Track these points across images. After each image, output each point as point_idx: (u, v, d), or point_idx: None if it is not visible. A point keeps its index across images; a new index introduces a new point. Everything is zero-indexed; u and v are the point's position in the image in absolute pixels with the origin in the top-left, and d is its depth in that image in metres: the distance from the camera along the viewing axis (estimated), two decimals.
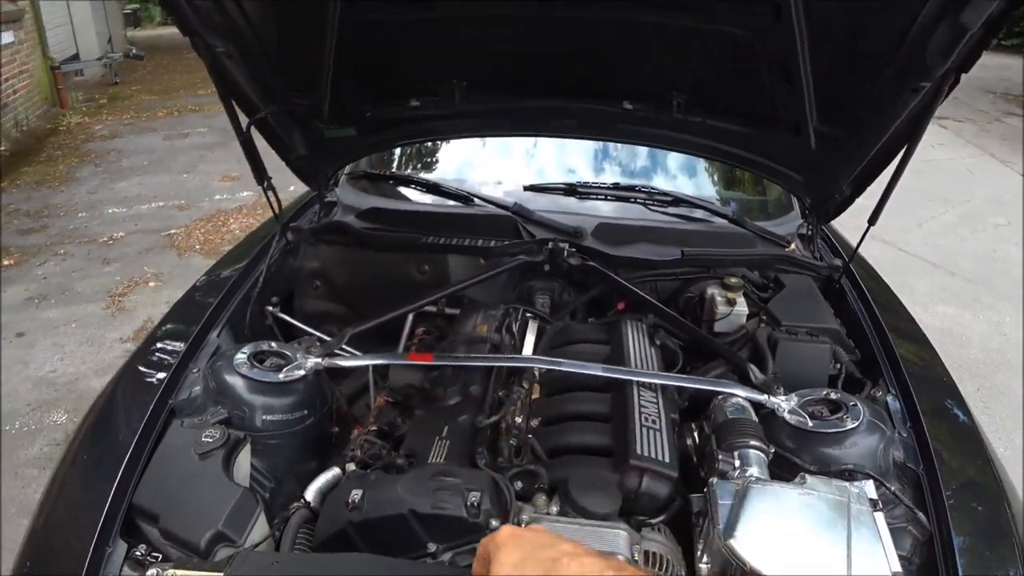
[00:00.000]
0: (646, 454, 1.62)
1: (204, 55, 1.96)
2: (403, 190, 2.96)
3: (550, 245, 2.38)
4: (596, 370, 1.85)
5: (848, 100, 2.06)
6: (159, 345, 2.12)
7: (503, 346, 2.08)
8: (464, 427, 1.76)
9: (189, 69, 14.09)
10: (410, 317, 2.41)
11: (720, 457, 1.64)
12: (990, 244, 6.52)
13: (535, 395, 1.92)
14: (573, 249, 2.38)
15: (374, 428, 1.89)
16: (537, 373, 1.97)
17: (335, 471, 1.79)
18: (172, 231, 6.41)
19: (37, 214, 6.84)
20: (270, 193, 2.38)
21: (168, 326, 2.22)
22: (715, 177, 3.15)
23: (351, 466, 1.74)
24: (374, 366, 2.07)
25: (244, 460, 1.75)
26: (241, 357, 1.91)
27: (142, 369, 2.04)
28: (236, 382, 1.85)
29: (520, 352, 2.10)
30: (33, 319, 4.97)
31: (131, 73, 13.63)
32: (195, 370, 1.97)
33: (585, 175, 2.93)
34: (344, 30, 2.07)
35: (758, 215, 2.91)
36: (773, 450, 1.68)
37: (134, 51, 13.54)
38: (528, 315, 2.30)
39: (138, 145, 8.95)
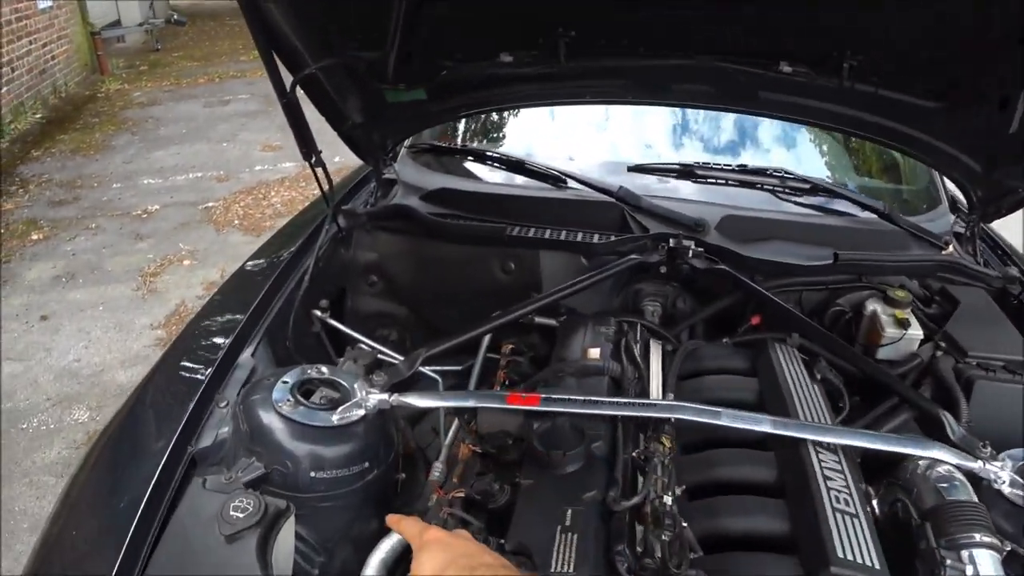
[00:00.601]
0: (850, 557, 1.14)
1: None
2: (476, 167, 2.47)
3: (671, 243, 1.89)
4: (769, 427, 1.36)
5: None
6: (178, 365, 1.68)
7: (624, 379, 1.60)
8: (594, 512, 1.27)
9: (232, 35, 13.71)
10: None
11: (948, 564, 1.17)
12: None
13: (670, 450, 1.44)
14: (699, 248, 1.89)
15: (461, 495, 1.41)
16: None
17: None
18: (210, 204, 5.99)
19: (70, 184, 6.48)
20: (319, 170, 1.91)
21: (191, 339, 1.78)
22: (848, 160, 2.62)
23: None
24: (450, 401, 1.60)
25: (287, 538, 1.29)
26: (282, 389, 1.45)
27: (156, 398, 1.60)
28: (276, 425, 1.39)
29: (647, 387, 1.61)
30: (59, 300, 4.59)
31: (173, 39, 13.24)
32: (222, 404, 1.53)
33: (693, 154, 2.42)
34: None
35: (900, 208, 2.38)
36: (1009, 547, 1.20)
37: (176, 16, 13.14)
38: (646, 332, 1.82)
39: (177, 112, 8.57)
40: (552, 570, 1.13)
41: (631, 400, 1.42)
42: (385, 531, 1.31)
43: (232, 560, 1.20)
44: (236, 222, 5.66)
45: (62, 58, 9.84)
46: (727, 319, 2.02)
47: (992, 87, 1.68)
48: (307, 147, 1.85)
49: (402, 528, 1.01)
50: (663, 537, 1.20)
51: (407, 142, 2.50)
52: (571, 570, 1.13)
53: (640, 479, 1.34)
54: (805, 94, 1.87)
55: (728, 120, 2.50)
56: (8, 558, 2.80)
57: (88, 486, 1.40)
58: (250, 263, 2.12)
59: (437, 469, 1.62)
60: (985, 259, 2.22)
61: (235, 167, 6.80)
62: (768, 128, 2.54)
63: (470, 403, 1.49)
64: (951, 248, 2.17)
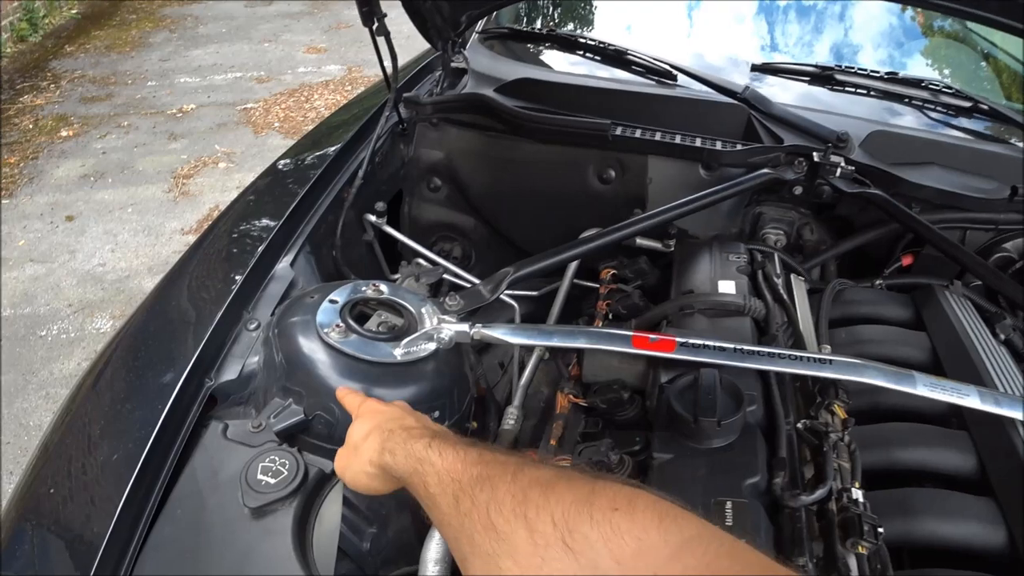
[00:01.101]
0: None
1: None
2: (561, 56, 2.06)
3: (815, 156, 1.50)
4: (987, 403, 0.99)
5: None
6: (198, 274, 1.34)
7: (771, 323, 1.23)
8: (758, 505, 0.90)
9: None
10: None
11: None
12: None
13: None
14: (850, 168, 1.50)
15: (566, 463, 1.05)
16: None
17: None
18: (249, 105, 5.60)
19: (103, 81, 6.13)
20: (381, 39, 1.53)
21: (216, 241, 1.43)
22: (1004, 79, 2.18)
23: None
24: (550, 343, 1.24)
25: (332, 512, 0.96)
26: (330, 311, 1.11)
27: (162, 315, 1.27)
28: (321, 358, 1.05)
29: (800, 335, 1.24)
30: (86, 200, 4.28)
31: None
32: (252, 325, 1.18)
33: (827, 55, 2.01)
34: None
35: None
36: None
37: None
38: (782, 264, 1.44)
39: (218, 11, 8.12)
40: None
41: (810, 354, 1.04)
42: None
43: (258, 545, 0.88)
44: (276, 124, 5.28)
45: None
46: (865, 259, 1.64)
47: None
48: (370, 7, 1.46)
49: (346, 402, 0.94)
50: (859, 549, 0.84)
51: (479, 26, 2.10)
52: None
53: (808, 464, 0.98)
54: None
55: (870, 17, 2.06)
56: (19, 474, 2.54)
57: (75, 428, 1.07)
58: (286, 159, 1.77)
59: (512, 416, 1.28)
60: None
61: (277, 68, 6.39)
62: (920, 36, 2.12)
63: (580, 342, 1.12)
64: None
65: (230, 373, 1.10)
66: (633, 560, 0.51)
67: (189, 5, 8.45)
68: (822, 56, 2.05)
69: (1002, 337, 1.31)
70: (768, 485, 0.92)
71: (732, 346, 1.05)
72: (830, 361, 1.03)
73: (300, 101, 5.68)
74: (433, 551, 0.90)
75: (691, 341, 1.05)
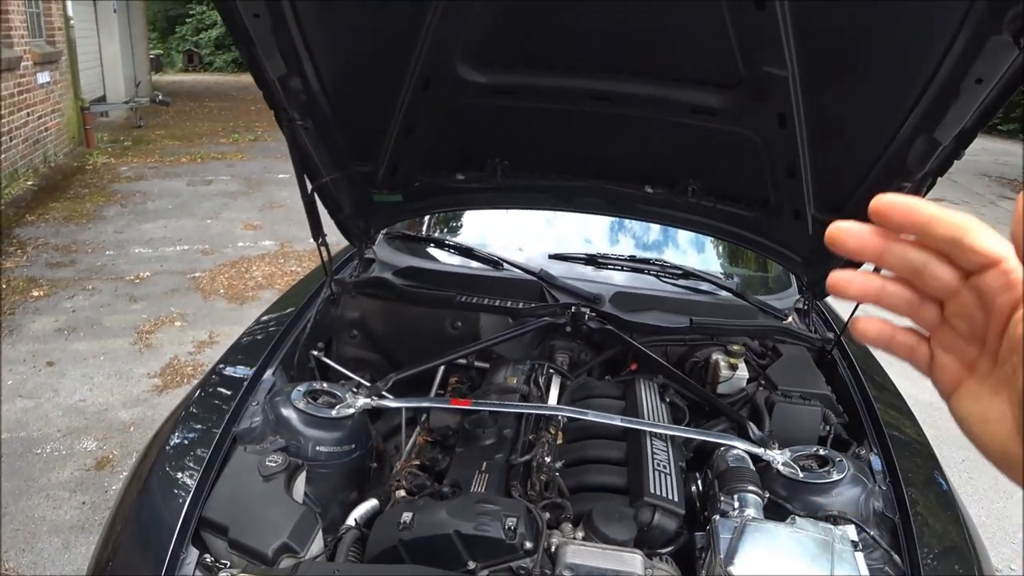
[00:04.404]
0: (659, 493, 1.86)
1: (285, 127, 2.25)
2: (435, 251, 3.24)
3: (572, 309, 2.63)
4: (615, 420, 2.10)
5: (842, 193, 2.35)
6: (221, 378, 2.37)
7: (531, 396, 2.33)
8: (500, 464, 2.00)
9: (211, 117, 14.54)
10: (442, 368, 2.66)
11: (722, 499, 1.88)
12: None
13: (559, 440, 2.17)
14: (593, 314, 2.63)
15: (416, 463, 2.12)
16: (561, 421, 2.21)
17: (374, 502, 2.03)
18: (197, 274, 6.65)
19: (65, 249, 7.11)
20: (323, 248, 2.65)
21: (227, 362, 2.47)
22: (721, 253, 3.43)
23: (400, 493, 1.97)
24: (409, 409, 2.31)
25: (300, 485, 1.98)
26: (298, 394, 2.15)
27: (206, 399, 2.29)
28: (293, 416, 2.09)
29: (546, 402, 2.35)
30: (63, 350, 5.20)
31: (154, 117, 14.04)
32: (255, 403, 2.21)
33: (603, 247, 3.20)
34: (411, 111, 2.36)
35: (759, 289, 3.18)
36: (768, 496, 1.92)
37: (160, 96, 13.98)
38: (551, 371, 2.55)
39: (163, 189, 9.25)
40: (472, 491, 1.85)
41: (529, 404, 2.17)
42: (362, 498, 2.02)
43: (269, 491, 1.88)
44: (221, 291, 6.32)
45: (54, 130, 10.58)
46: (615, 365, 2.77)
47: (786, 203, 2.49)
48: (317, 231, 2.58)
49: None
50: (541, 479, 1.92)
51: (384, 230, 3.25)
52: (483, 490, 1.85)
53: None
54: (669, 206, 2.67)
55: (628, 223, 3.29)
56: (31, 553, 3.37)
57: (167, 447, 2.08)
58: (266, 316, 2.84)
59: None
60: (815, 327, 3.00)
61: (219, 242, 7.48)
62: (668, 231, 3.34)
63: (425, 404, 2.23)
64: (790, 319, 2.96)
65: (245, 424, 2.12)
66: None
67: (136, 182, 9.57)
68: (602, 246, 3.25)
69: (667, 400, 2.42)
70: (508, 458, 2.01)
71: (500, 402, 2.15)
72: (542, 407, 2.14)
73: (241, 271, 6.76)
74: (356, 513, 1.93)
75: (481, 401, 2.15)
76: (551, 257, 3.03)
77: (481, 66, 2.25)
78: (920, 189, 2.12)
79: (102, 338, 5.41)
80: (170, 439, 2.12)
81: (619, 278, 2.99)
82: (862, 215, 0.59)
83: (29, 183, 9.19)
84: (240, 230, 7.87)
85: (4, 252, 6.95)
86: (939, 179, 2.12)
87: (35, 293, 6.10)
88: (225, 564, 1.76)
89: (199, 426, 2.14)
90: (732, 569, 1.55)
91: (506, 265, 2.95)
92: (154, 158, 10.95)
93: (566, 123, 2.45)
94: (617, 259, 3.01)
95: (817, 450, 2.05)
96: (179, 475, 1.97)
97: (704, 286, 2.99)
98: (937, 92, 1.88)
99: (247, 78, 2.30)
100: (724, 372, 2.57)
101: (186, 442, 2.10)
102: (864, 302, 0.61)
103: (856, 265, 2.73)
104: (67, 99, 11.24)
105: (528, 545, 1.64)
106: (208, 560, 1.77)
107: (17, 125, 9.27)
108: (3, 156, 8.76)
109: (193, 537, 1.81)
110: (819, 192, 2.40)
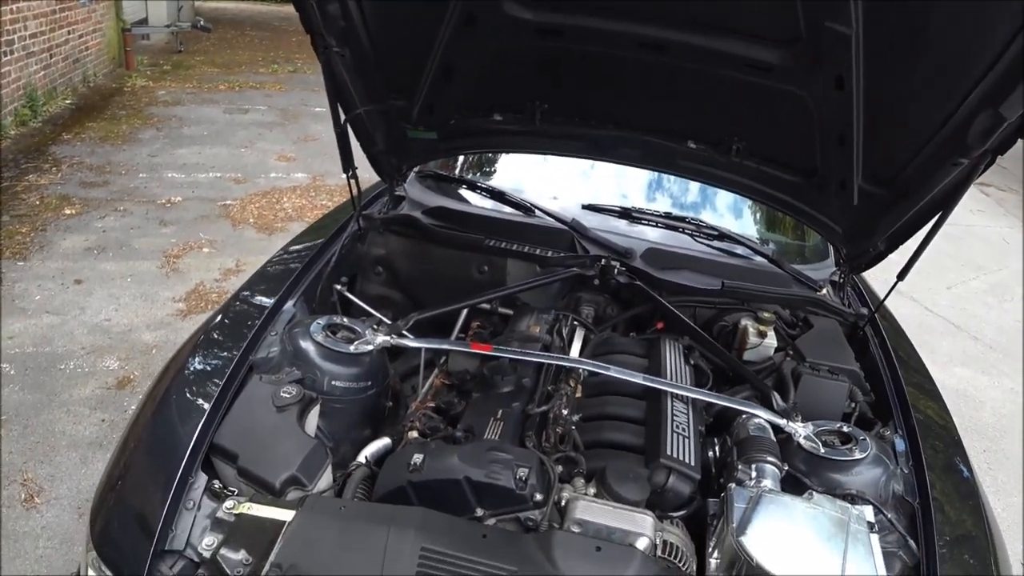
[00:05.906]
0: (675, 456, 1.82)
1: (321, 53, 2.18)
2: (466, 193, 3.18)
3: (603, 262, 2.57)
4: (637, 378, 2.05)
5: (892, 166, 2.25)
6: (243, 305, 2.35)
7: (553, 347, 2.28)
8: (516, 413, 1.96)
9: (251, 46, 14.43)
10: (464, 312, 2.62)
11: (739, 467, 1.84)
12: (1016, 315, 6.62)
13: (578, 394, 2.13)
14: (623, 268, 2.57)
15: (432, 405, 2.09)
16: (582, 374, 2.17)
17: (386, 440, 2.01)
18: (228, 202, 6.65)
19: (99, 169, 7.12)
20: (353, 181, 2.60)
21: (250, 290, 2.44)
22: (758, 218, 3.33)
23: (413, 434, 1.94)
24: (429, 351, 2.28)
25: (313, 418, 1.96)
26: (317, 326, 2.12)
27: (226, 325, 2.26)
28: (311, 348, 2.06)
29: (568, 354, 2.30)
30: (92, 269, 5.23)
31: (195, 43, 13.94)
32: (273, 333, 2.19)
33: (638, 201, 3.12)
34: (451, 46, 2.29)
35: (795, 258, 3.10)
36: (786, 468, 1.87)
37: (202, 22, 13.81)
38: (576, 323, 2.50)
39: (199, 115, 9.22)
40: (485, 438, 1.82)
41: (550, 355, 2.12)
42: (375, 436, 2.00)
43: (281, 422, 1.86)
44: (251, 220, 6.32)
45: (94, 49, 10.54)
46: (641, 323, 2.71)
47: (833, 172, 2.40)
48: (348, 163, 2.53)
49: None
50: (557, 431, 1.89)
51: (416, 168, 3.20)
52: (497, 438, 1.81)
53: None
54: (710, 164, 2.59)
55: (666, 179, 3.20)
56: (50, 465, 3.42)
57: (184, 371, 2.06)
58: (293, 246, 2.81)
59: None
60: (850, 302, 2.91)
61: (252, 171, 7.47)
62: (705, 191, 3.25)
63: (445, 346, 2.19)
64: (825, 291, 2.88)
65: (262, 354, 2.10)
66: None
67: (173, 107, 9.55)
68: (637, 201, 3.17)
69: (691, 362, 2.36)
70: (524, 407, 1.97)
71: (520, 350, 2.10)
72: (563, 358, 2.10)
73: (272, 202, 6.75)
74: (367, 450, 1.91)
75: (502, 348, 2.11)
76: (584, 207, 2.96)
77: (529, 1, 2.17)
78: (977, 168, 2.02)
79: (130, 259, 5.43)
80: (188, 363, 2.11)
81: (652, 234, 2.92)
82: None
83: (67, 101, 9.22)
84: (273, 161, 7.84)
85: (40, 169, 6.99)
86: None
87: (67, 211, 6.12)
88: (233, 492, 1.76)
89: (217, 352, 2.12)
90: (743, 539, 1.51)
91: (538, 212, 2.89)
92: (192, 84, 10.90)
93: (611, 70, 2.36)
94: (652, 214, 2.93)
95: (841, 426, 2.00)
96: (194, 399, 1.96)
97: (739, 250, 2.91)
98: (1008, 65, 1.77)
99: (289, 9, 2.23)
100: (752, 339, 2.51)
101: (203, 367, 2.08)
102: None
103: (888, 252, 2.65)
104: (108, 19, 11.17)
105: (538, 497, 1.62)
106: (216, 486, 1.76)
107: (58, 43, 9.25)
108: (43, 73, 8.77)
109: (204, 462, 1.80)
110: (869, 163, 2.30)
